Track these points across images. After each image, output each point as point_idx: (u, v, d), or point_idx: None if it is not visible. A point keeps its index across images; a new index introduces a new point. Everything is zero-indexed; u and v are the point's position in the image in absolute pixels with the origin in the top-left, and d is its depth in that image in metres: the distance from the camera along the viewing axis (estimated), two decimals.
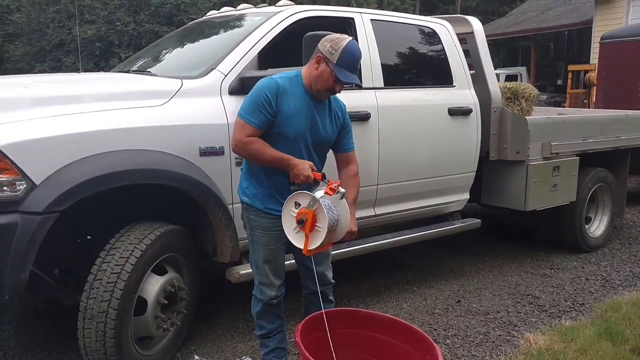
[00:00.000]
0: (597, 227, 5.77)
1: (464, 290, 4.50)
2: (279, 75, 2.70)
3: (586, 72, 14.17)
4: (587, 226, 5.60)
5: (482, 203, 5.22)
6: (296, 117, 2.63)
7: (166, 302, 2.98)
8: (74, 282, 3.10)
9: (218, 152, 3.16)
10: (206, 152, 3.11)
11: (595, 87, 10.87)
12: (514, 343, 3.57)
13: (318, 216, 2.54)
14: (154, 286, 2.94)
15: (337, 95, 2.77)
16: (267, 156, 2.62)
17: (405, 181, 4.20)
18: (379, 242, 4.09)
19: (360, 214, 3.94)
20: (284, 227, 2.62)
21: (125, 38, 13.63)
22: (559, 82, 23.30)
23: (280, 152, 2.62)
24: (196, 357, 3.12)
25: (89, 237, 3.37)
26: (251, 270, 3.29)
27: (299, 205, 2.57)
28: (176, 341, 3.18)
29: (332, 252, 3.07)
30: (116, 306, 2.71)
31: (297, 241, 2.60)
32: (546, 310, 4.12)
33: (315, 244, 2.56)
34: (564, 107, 13.95)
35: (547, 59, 29.24)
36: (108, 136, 2.82)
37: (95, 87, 3.20)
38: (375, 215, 4.11)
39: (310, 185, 2.66)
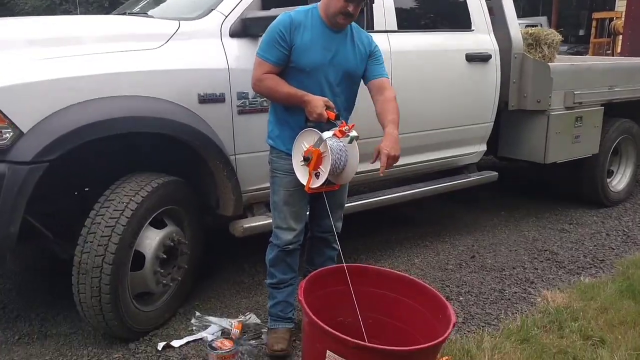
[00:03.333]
0: (620, 181, 5.53)
1: (479, 245, 4.33)
2: (295, 10, 2.60)
3: (611, 19, 13.60)
4: (608, 180, 5.36)
5: (499, 155, 5.00)
6: (312, 49, 2.54)
7: (165, 256, 2.84)
8: (70, 236, 2.97)
9: (218, 99, 2.96)
10: (205, 99, 2.91)
11: (620, 36, 10.40)
12: (531, 301, 3.41)
13: (323, 158, 2.40)
14: (151, 240, 2.80)
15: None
16: (281, 92, 2.55)
17: (419, 132, 3.98)
18: (391, 196, 3.90)
19: (370, 166, 3.76)
20: (292, 157, 2.52)
21: None
22: (581, 32, 22.51)
23: (295, 88, 2.53)
24: (197, 313, 3.01)
25: (86, 189, 3.23)
26: (256, 224, 3.19)
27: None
28: (178, 297, 3.07)
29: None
30: (111, 261, 2.58)
31: (301, 175, 2.49)
32: (565, 267, 3.95)
33: (316, 183, 2.46)
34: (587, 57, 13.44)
35: (570, 7, 28.19)
36: (99, 81, 2.63)
37: (87, 29, 2.99)
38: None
39: (326, 124, 2.52)
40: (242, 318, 3.02)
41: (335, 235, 2.85)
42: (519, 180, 6.19)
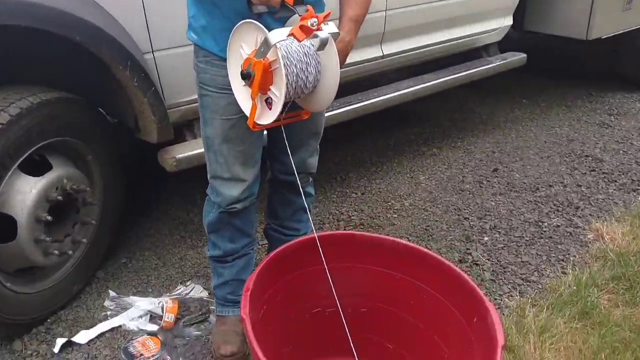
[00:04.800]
0: None
1: (501, 150, 3.37)
2: None
3: None
4: None
5: (526, 29, 3.88)
6: None
7: (50, 218, 1.87)
8: None
9: None
10: None
11: None
12: (580, 239, 2.52)
13: (274, 73, 1.35)
14: (24, 195, 1.82)
15: None
16: None
17: (425, 3, 2.87)
18: (388, 96, 2.86)
19: (361, 55, 2.70)
20: (228, 69, 1.48)
21: None
22: None
23: None
24: (111, 292, 2.10)
25: None
26: (194, 152, 2.20)
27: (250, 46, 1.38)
28: (85, 266, 2.14)
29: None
30: None
31: (243, 101, 1.47)
32: (615, 181, 3.03)
33: (268, 117, 1.42)
34: None
35: None
36: None
37: None
38: (384, 57, 2.83)
39: (280, 10, 1.41)
40: (180, 290, 2.13)
41: (309, 176, 1.89)
42: (541, 57, 5.08)
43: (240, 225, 1.78)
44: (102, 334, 1.96)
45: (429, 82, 3.04)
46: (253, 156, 1.69)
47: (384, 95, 2.85)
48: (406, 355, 1.72)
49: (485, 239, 2.51)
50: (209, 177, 1.71)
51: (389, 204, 2.79)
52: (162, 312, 1.97)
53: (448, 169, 3.16)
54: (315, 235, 1.59)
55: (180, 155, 2.16)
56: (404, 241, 1.64)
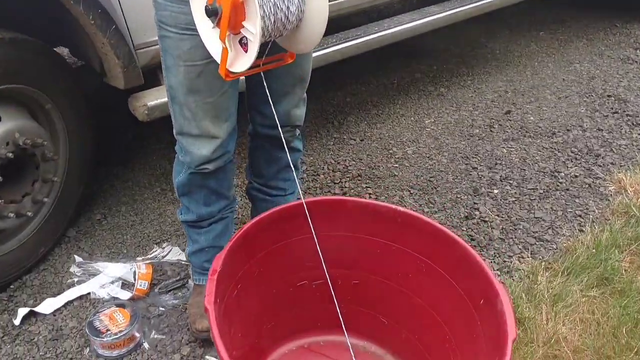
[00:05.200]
0: None
1: (514, 90, 3.09)
2: None
3: None
4: None
5: None
6: None
7: (0, 178, 1.65)
8: None
9: None
10: None
11: None
12: (600, 191, 2.28)
13: (247, 5, 1.09)
14: None
15: None
16: None
17: None
18: (391, 31, 2.55)
19: None
20: (192, 11, 1.20)
21: None
22: None
23: None
24: (77, 258, 1.90)
25: None
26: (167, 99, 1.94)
27: None
28: (50, 229, 1.93)
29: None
30: None
31: (212, 45, 1.20)
32: None
33: (241, 63, 1.17)
34: None
35: None
36: None
37: None
38: None
39: None
40: (155, 253, 1.93)
41: (296, 129, 1.64)
42: None
43: (215, 187, 1.55)
44: (69, 303, 1.78)
45: (436, 14, 2.71)
46: (226, 109, 1.43)
47: (386, 29, 2.54)
48: (402, 330, 1.53)
49: (495, 191, 2.28)
50: (174, 133, 1.47)
51: (390, 151, 2.55)
52: (134, 279, 1.78)
53: (456, 111, 2.89)
54: (303, 201, 1.37)
55: (152, 103, 1.91)
56: (402, 209, 1.41)
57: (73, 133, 1.91)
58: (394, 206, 1.42)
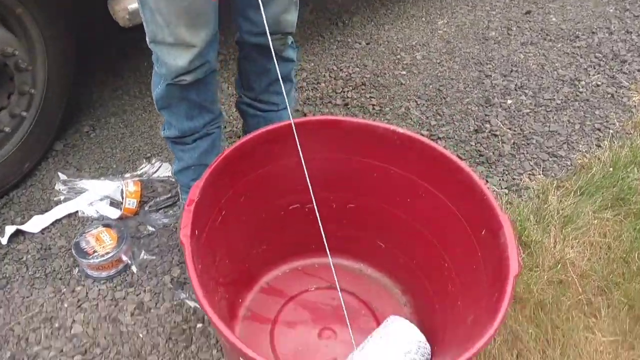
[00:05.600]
0: None
1: None
2: None
3: None
4: None
5: None
6: None
7: None
8: None
9: None
10: None
11: None
12: (622, 102, 2.11)
13: None
14: None
15: None
16: None
17: None
18: None
19: None
20: None
21: None
22: None
23: None
24: (61, 176, 1.81)
25: None
26: None
27: None
28: (36, 140, 1.83)
29: None
30: None
31: None
32: None
33: None
34: None
35: None
36: None
37: None
38: None
39: None
40: (145, 169, 1.84)
41: (287, 37, 1.48)
42: None
43: (196, 99, 1.42)
44: (57, 221, 1.72)
45: None
46: (204, 13, 1.27)
47: None
48: (399, 255, 1.46)
49: (509, 102, 2.13)
50: (147, 42, 1.32)
51: (398, 57, 2.37)
52: (122, 197, 1.70)
53: (472, 10, 2.66)
54: (292, 121, 1.25)
55: (133, 6, 1.74)
56: (401, 129, 1.28)
57: (50, 41, 1.76)
58: (392, 127, 1.29)
